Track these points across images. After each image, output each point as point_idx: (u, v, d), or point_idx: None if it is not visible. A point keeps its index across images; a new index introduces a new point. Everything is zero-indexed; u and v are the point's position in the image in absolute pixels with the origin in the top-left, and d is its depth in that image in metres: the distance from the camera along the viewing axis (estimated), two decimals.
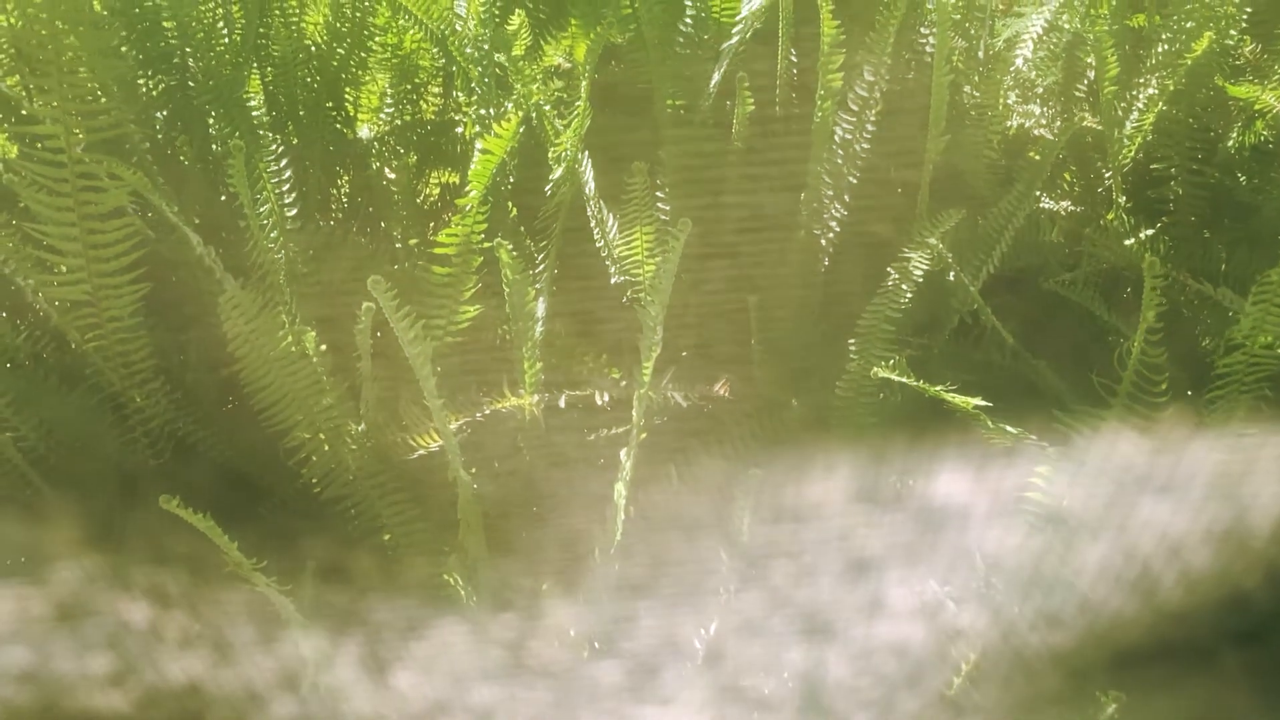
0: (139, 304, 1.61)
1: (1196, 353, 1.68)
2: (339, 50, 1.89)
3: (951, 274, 1.62)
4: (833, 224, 1.75)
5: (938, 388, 1.31)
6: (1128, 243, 1.77)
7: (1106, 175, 1.83)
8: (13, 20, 1.50)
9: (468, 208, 1.57)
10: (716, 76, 1.74)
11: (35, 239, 1.55)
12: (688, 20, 1.77)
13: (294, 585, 1.38)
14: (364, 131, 1.95)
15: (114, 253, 1.57)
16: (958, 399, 1.29)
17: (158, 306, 1.66)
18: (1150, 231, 1.79)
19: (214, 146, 1.80)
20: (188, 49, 1.82)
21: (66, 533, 1.56)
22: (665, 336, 1.41)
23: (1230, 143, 1.83)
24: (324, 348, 1.59)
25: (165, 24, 1.81)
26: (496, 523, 1.62)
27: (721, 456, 1.58)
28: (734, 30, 1.71)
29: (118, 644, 1.44)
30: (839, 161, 1.74)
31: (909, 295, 1.61)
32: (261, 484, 1.67)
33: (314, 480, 1.62)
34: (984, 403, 1.29)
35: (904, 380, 1.34)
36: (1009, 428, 1.31)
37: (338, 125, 1.91)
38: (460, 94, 1.84)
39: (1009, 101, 1.91)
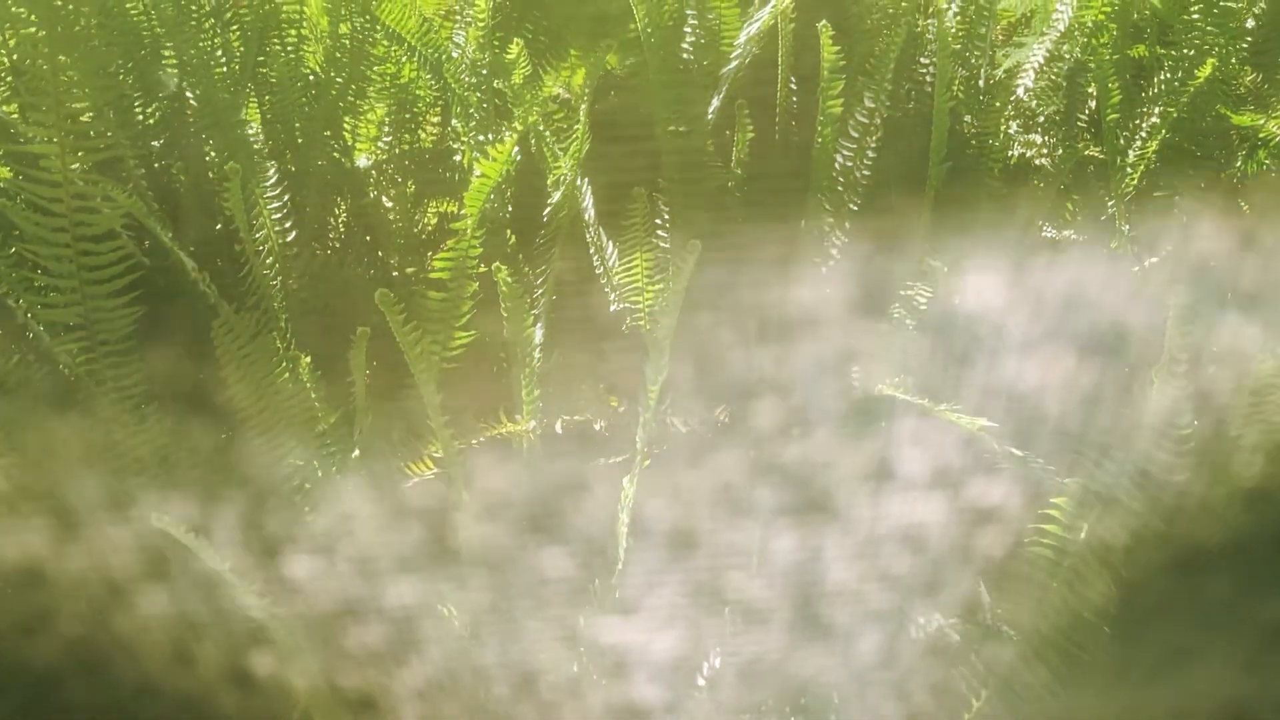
0: (132, 328, 1.59)
1: (1204, 377, 1.65)
2: (337, 79, 1.89)
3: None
4: (834, 252, 1.74)
5: (942, 408, 1.29)
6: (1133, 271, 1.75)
7: (1110, 204, 1.82)
8: (9, 41, 1.50)
9: (464, 231, 1.56)
10: (715, 102, 1.73)
11: (29, 261, 1.54)
12: (687, 45, 1.76)
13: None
14: (362, 160, 1.94)
15: (108, 275, 1.55)
16: (964, 420, 1.27)
17: (152, 332, 1.63)
18: (1155, 260, 1.78)
19: (210, 174, 1.79)
20: (186, 77, 1.82)
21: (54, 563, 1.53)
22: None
23: (1234, 171, 1.82)
24: (319, 374, 1.58)
25: (165, 52, 1.80)
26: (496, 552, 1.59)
27: None
28: (733, 55, 1.70)
29: None
30: (839, 189, 1.74)
31: (912, 325, 1.59)
32: (256, 512, 1.64)
33: (307, 509, 1.59)
34: (991, 424, 1.27)
35: (909, 400, 1.31)
36: (1016, 450, 1.29)
37: (335, 154, 1.90)
38: (458, 122, 1.83)
39: (1010, 131, 1.90)
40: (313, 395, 1.57)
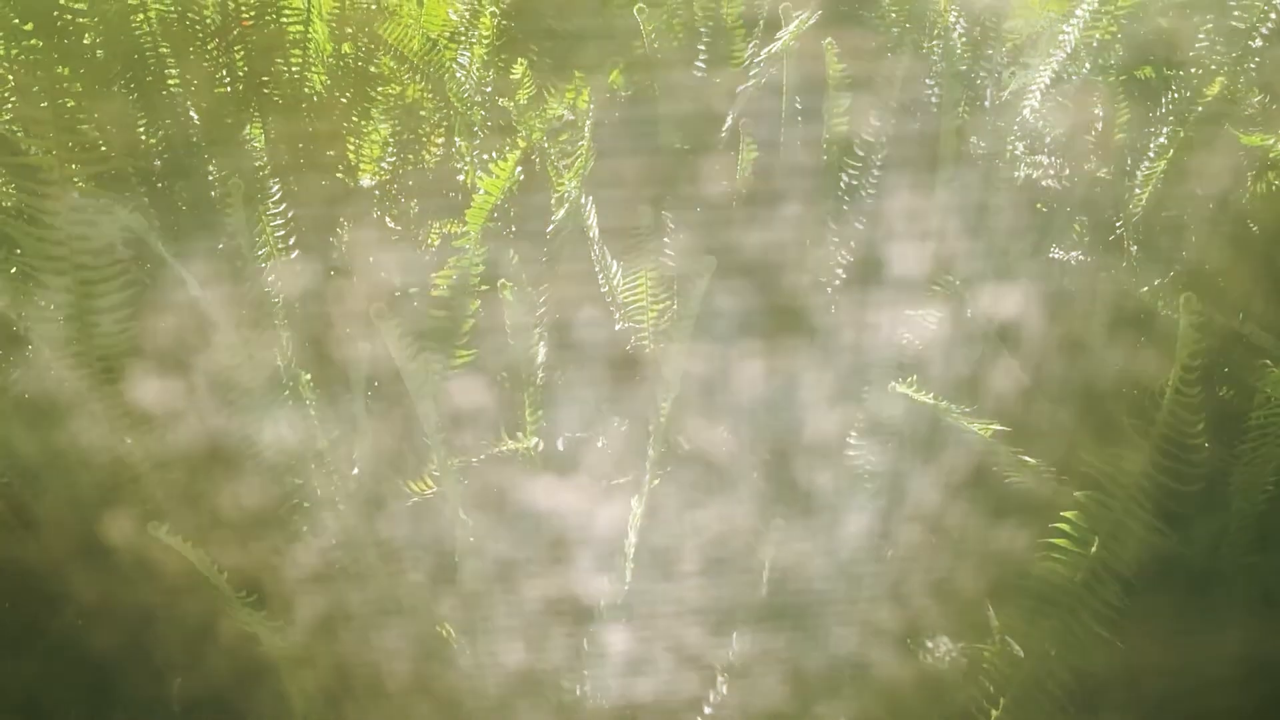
0: (129, 341, 1.57)
1: (1215, 399, 1.63)
2: (341, 99, 1.88)
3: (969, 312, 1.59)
4: (839, 270, 1.72)
5: (953, 411, 1.27)
6: (1141, 291, 1.73)
7: (1118, 224, 1.81)
8: (12, 53, 1.49)
9: (466, 249, 1.55)
10: (729, 120, 1.72)
11: (27, 274, 1.52)
12: (700, 63, 1.76)
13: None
14: (365, 180, 1.93)
15: (105, 289, 1.53)
16: (974, 425, 1.25)
17: (149, 345, 1.62)
18: (1163, 280, 1.76)
19: (213, 193, 1.78)
20: (190, 98, 1.81)
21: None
22: None
23: (1242, 191, 1.80)
24: (319, 391, 1.56)
25: (169, 71, 1.80)
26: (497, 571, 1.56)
27: None
28: (750, 74, 1.70)
29: None
30: (845, 207, 1.72)
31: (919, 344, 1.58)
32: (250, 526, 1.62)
33: (305, 527, 1.56)
34: (1001, 427, 1.25)
35: (920, 400, 1.29)
36: (1027, 458, 1.27)
37: (339, 174, 1.89)
38: (462, 141, 1.83)
39: (1017, 151, 1.89)
40: (313, 411, 1.55)
